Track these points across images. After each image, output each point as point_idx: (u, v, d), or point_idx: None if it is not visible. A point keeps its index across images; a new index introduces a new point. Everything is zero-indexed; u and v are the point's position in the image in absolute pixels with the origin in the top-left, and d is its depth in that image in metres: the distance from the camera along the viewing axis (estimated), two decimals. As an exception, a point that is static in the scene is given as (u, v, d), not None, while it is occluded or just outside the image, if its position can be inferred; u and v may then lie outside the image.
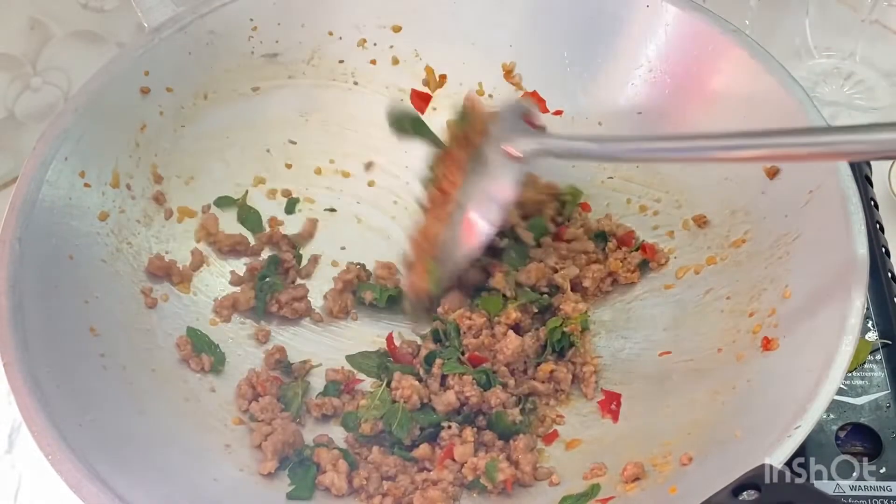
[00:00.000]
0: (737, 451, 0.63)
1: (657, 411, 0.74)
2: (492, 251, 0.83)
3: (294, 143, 0.92)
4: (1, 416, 0.81)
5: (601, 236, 0.86)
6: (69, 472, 0.61)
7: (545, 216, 0.87)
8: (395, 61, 0.93)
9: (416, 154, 0.92)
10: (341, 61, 0.93)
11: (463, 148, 0.81)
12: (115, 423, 0.68)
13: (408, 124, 0.88)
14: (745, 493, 0.55)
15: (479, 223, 0.77)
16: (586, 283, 0.83)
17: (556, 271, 0.83)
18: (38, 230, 0.73)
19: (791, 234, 0.74)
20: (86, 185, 0.78)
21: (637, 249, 0.84)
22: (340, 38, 0.92)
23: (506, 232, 0.84)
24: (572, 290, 0.83)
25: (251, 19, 0.89)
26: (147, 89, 0.84)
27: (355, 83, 0.94)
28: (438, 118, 0.93)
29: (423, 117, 0.93)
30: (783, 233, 0.75)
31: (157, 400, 0.73)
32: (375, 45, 0.93)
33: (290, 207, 0.90)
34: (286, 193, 0.91)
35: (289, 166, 0.91)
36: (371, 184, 0.93)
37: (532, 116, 0.81)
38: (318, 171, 0.92)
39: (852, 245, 0.68)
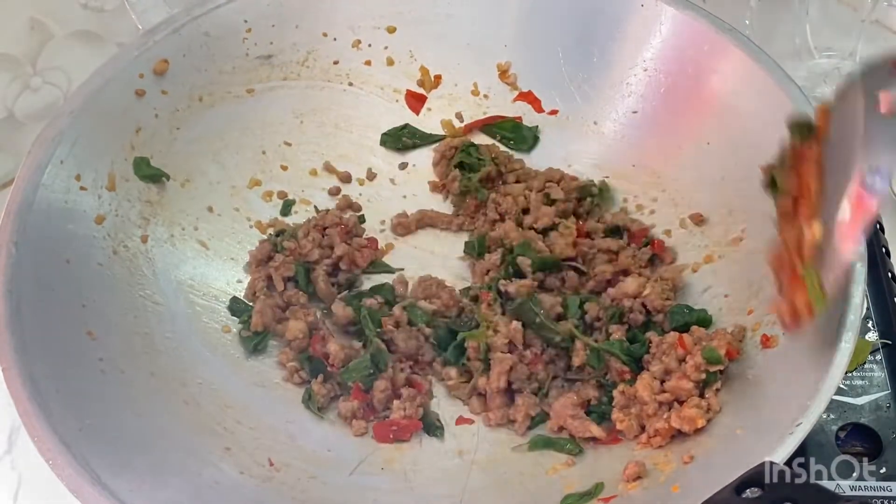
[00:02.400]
0: (738, 448, 0.64)
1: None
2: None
3: (289, 144, 0.92)
4: (1, 416, 0.80)
5: (615, 231, 0.86)
6: (71, 477, 0.61)
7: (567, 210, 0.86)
8: (390, 62, 0.93)
9: (411, 156, 0.93)
10: (336, 62, 0.93)
11: (813, 143, 0.67)
12: (115, 427, 0.68)
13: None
14: (748, 490, 0.55)
15: (867, 192, 0.59)
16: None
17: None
18: (34, 234, 0.73)
19: (788, 232, 0.74)
20: (82, 188, 0.78)
21: (647, 245, 0.84)
22: (335, 40, 0.92)
23: None
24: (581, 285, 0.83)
25: (245, 21, 0.89)
26: (142, 91, 0.84)
27: (350, 84, 0.94)
28: (434, 118, 0.94)
29: (418, 118, 0.93)
30: (780, 231, 0.75)
31: (156, 403, 0.72)
32: (370, 45, 0.93)
33: (286, 209, 0.90)
34: (282, 195, 0.90)
35: (284, 168, 0.91)
36: (362, 183, 0.93)
37: None
38: (314, 173, 0.92)
39: (850, 241, 0.68)
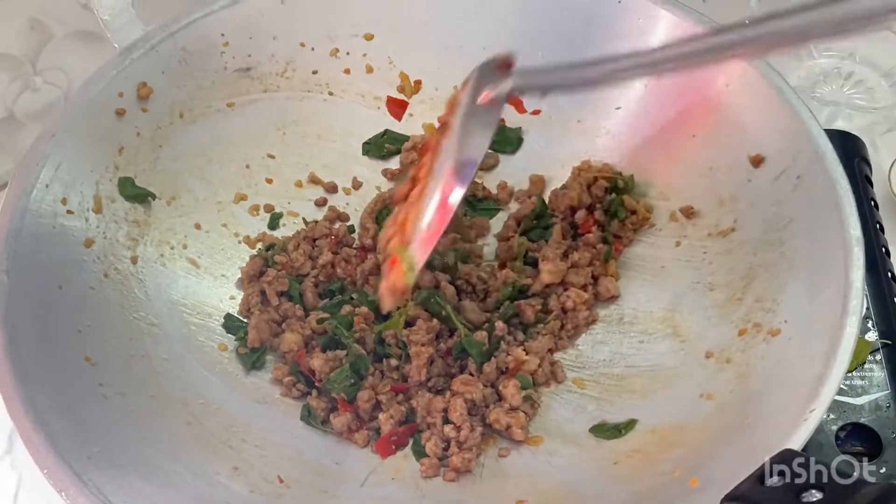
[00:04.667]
0: (751, 440, 0.64)
1: (663, 404, 0.74)
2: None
3: (273, 157, 0.91)
4: (1, 416, 0.79)
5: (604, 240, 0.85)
6: (85, 506, 0.60)
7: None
8: (370, 69, 0.93)
9: (395, 161, 0.93)
10: (315, 72, 0.92)
11: (439, 133, 0.74)
12: (122, 452, 0.67)
13: None
14: (769, 480, 0.55)
15: (451, 183, 0.68)
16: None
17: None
18: (24, 261, 0.72)
19: (782, 220, 0.75)
20: (69, 211, 0.77)
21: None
22: (313, 49, 0.92)
23: None
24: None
25: (222, 34, 0.88)
26: (122, 111, 0.83)
27: (330, 93, 0.93)
28: (416, 124, 0.93)
29: (401, 124, 0.93)
30: (773, 219, 0.75)
31: (159, 426, 0.72)
32: (348, 54, 0.93)
33: (274, 222, 0.89)
34: (269, 209, 0.90)
35: (269, 181, 0.90)
36: (348, 192, 0.92)
37: (511, 61, 0.72)
38: (300, 184, 0.91)
39: (845, 227, 0.69)
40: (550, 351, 0.80)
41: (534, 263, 0.84)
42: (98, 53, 0.95)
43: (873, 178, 0.90)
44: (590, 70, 0.69)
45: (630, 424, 0.73)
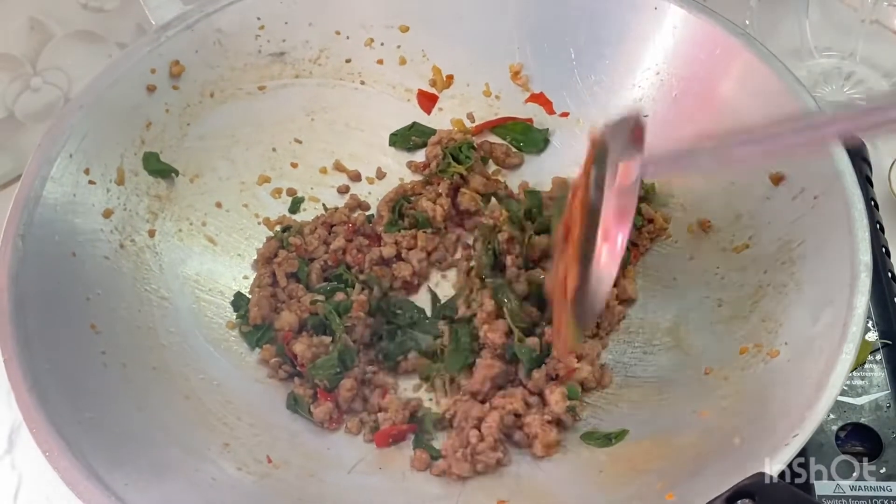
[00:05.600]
0: (735, 458, 0.63)
1: (657, 417, 0.74)
2: None
3: (300, 142, 0.92)
4: (1, 416, 0.81)
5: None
6: (67, 469, 0.62)
7: None
8: (403, 61, 0.93)
9: (421, 154, 0.93)
10: (348, 61, 0.93)
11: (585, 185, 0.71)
12: (114, 420, 0.68)
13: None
14: (739, 501, 0.55)
15: (607, 259, 0.65)
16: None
17: None
18: (40, 227, 0.74)
19: (795, 240, 0.73)
20: (90, 182, 0.78)
21: None
22: (348, 38, 0.92)
23: None
24: None
25: (258, 18, 0.89)
26: (153, 87, 0.84)
27: (362, 83, 0.94)
28: (445, 118, 0.94)
29: (429, 117, 0.93)
30: (787, 239, 0.74)
31: (157, 398, 0.73)
32: (383, 44, 0.93)
33: (295, 206, 0.90)
34: (291, 192, 0.91)
35: (294, 165, 0.91)
36: (371, 182, 0.93)
37: (642, 130, 0.69)
38: (324, 171, 0.92)
39: (856, 251, 0.68)
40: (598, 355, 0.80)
41: None
42: (98, 53, 0.97)
43: (873, 178, 0.89)
44: (718, 152, 0.66)
45: (621, 434, 0.73)
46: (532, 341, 0.77)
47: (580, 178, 0.69)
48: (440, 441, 0.76)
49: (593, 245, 0.65)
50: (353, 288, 0.82)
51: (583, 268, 0.65)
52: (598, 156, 0.68)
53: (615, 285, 0.82)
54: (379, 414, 0.77)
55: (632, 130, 0.68)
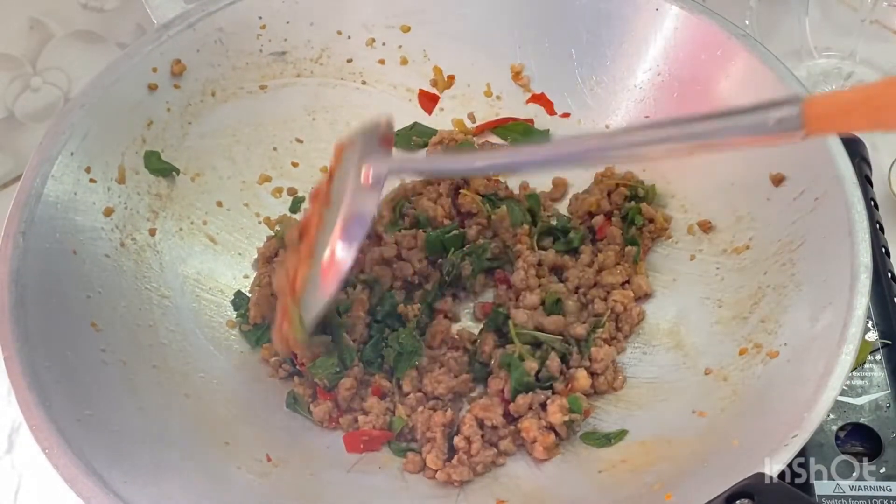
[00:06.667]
0: (734, 458, 0.63)
1: (656, 417, 0.74)
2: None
3: (301, 141, 0.92)
4: (1, 416, 0.81)
5: (632, 242, 0.84)
6: (65, 466, 0.62)
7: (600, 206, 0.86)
8: (404, 61, 0.93)
9: (422, 154, 0.92)
10: (349, 60, 0.93)
11: (326, 181, 0.76)
12: (114, 418, 0.68)
13: None
14: (739, 501, 0.55)
15: (337, 258, 0.70)
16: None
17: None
18: (41, 225, 0.74)
19: (795, 242, 0.73)
20: (91, 180, 0.78)
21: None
22: (349, 38, 0.92)
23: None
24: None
25: (260, 17, 0.89)
26: (155, 86, 0.84)
27: (363, 83, 0.94)
28: (446, 118, 0.94)
29: (430, 117, 0.93)
30: (787, 240, 0.74)
31: (157, 396, 0.73)
32: (384, 44, 0.93)
33: (295, 206, 0.90)
34: (292, 192, 0.91)
35: (295, 165, 0.91)
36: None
37: (390, 137, 0.76)
38: (325, 170, 0.91)
39: (856, 252, 0.68)
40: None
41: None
42: (98, 53, 0.97)
43: (873, 178, 0.89)
44: (461, 162, 0.76)
45: (620, 434, 0.73)
46: (530, 365, 0.76)
47: (323, 181, 0.74)
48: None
49: (327, 241, 0.70)
50: (354, 288, 0.82)
51: (315, 264, 0.70)
52: (345, 158, 0.72)
53: (628, 282, 0.82)
54: (360, 416, 0.76)
55: (382, 136, 0.74)
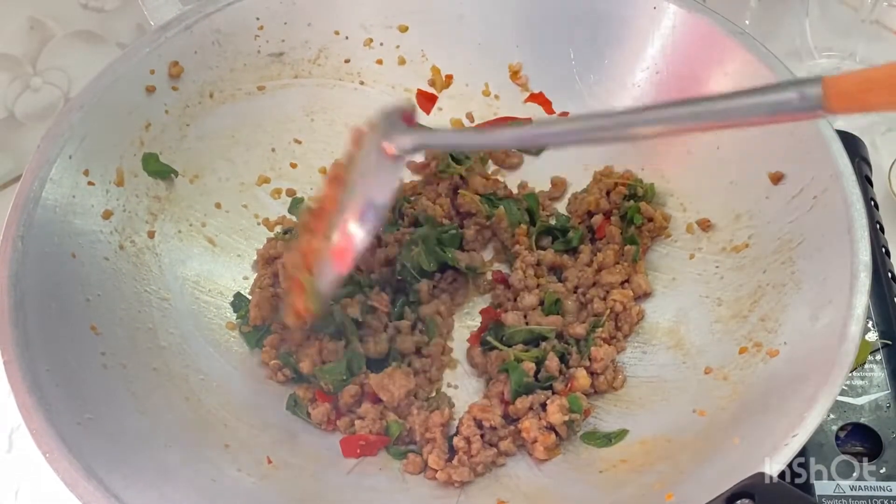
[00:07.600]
0: (735, 458, 0.63)
1: (656, 417, 0.74)
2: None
3: (299, 142, 0.92)
4: (1, 416, 0.81)
5: (631, 241, 0.84)
6: (66, 470, 0.62)
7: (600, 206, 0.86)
8: (402, 61, 0.93)
9: (421, 155, 0.92)
10: (347, 61, 0.93)
11: (342, 165, 0.77)
12: (114, 421, 0.68)
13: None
14: (739, 501, 0.55)
15: (355, 230, 0.70)
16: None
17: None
18: (40, 228, 0.73)
19: (794, 240, 0.73)
20: (90, 183, 0.78)
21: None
22: (347, 38, 0.92)
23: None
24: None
25: (257, 18, 0.89)
26: (152, 88, 0.84)
27: (361, 83, 0.94)
28: (444, 118, 0.94)
29: (429, 117, 0.93)
30: (787, 238, 0.74)
31: (157, 399, 0.73)
32: (382, 44, 0.93)
33: (294, 207, 0.90)
34: (290, 193, 0.91)
35: (294, 166, 0.91)
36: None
37: (412, 115, 0.75)
38: (323, 171, 0.92)
39: (855, 251, 0.67)
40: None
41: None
42: (98, 53, 0.97)
43: (873, 178, 0.89)
44: (487, 136, 0.76)
45: (621, 434, 0.73)
46: (528, 366, 0.76)
47: (342, 160, 0.75)
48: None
49: (345, 216, 0.70)
50: (371, 289, 0.82)
51: (326, 241, 0.71)
52: (367, 140, 0.73)
53: (627, 282, 0.82)
54: (357, 421, 0.76)
55: (405, 115, 0.74)
